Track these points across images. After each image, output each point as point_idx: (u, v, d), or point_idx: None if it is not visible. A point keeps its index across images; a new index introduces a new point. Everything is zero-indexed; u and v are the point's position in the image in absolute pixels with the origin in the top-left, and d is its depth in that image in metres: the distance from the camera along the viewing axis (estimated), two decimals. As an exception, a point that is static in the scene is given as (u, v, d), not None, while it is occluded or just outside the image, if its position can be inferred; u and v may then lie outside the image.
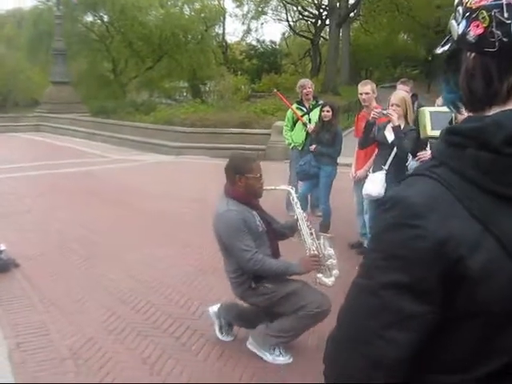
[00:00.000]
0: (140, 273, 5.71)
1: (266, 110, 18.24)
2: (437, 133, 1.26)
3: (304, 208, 7.81)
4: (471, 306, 0.96)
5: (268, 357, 3.87)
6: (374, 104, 6.44)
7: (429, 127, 1.24)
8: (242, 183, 3.80)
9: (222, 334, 4.19)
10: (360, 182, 6.35)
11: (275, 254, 3.91)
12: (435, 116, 1.22)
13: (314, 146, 7.00)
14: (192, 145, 16.01)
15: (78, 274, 5.68)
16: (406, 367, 1.02)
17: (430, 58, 40.36)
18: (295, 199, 4.01)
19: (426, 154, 4.87)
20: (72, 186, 10.66)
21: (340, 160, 7.16)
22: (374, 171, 5.62)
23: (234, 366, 3.83)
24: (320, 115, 7.09)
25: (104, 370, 3.73)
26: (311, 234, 3.90)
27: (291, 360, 3.89)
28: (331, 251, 3.89)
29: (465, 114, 1.09)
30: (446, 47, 1.10)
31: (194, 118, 17.40)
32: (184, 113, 18.62)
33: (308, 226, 3.91)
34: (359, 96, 6.50)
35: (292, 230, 4.06)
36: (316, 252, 3.84)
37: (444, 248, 0.93)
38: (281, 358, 3.87)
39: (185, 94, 39.21)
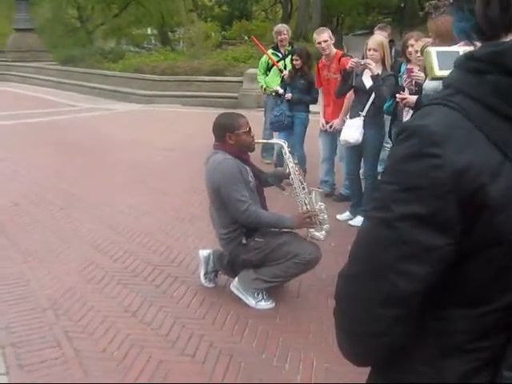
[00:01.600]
0: (117, 222, 5.66)
1: (237, 57, 17.98)
2: (445, 73, 1.20)
3: (270, 157, 7.84)
4: (490, 236, 0.93)
5: (251, 301, 3.90)
6: (334, 50, 6.35)
7: (436, 67, 1.20)
8: (233, 140, 3.77)
9: (205, 279, 4.19)
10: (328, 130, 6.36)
11: (263, 209, 3.91)
12: (442, 56, 1.18)
13: (289, 95, 6.91)
14: (163, 93, 15.80)
15: (54, 224, 5.60)
16: (418, 300, 1.00)
17: (402, 5, 40.04)
18: (287, 153, 3.97)
19: (409, 97, 4.82)
20: (42, 136, 10.45)
21: (314, 107, 7.15)
22: (351, 117, 5.57)
23: (217, 312, 3.84)
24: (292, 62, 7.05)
25: (85, 319, 3.70)
26: (303, 188, 3.90)
27: (273, 305, 3.92)
28: (322, 206, 3.91)
29: (477, 43, 1.03)
30: None
31: (164, 65, 17.13)
32: (153, 60, 18.33)
33: (300, 181, 3.90)
34: (317, 45, 6.30)
35: (278, 179, 4.06)
36: (309, 207, 3.84)
37: (463, 177, 0.91)
38: (263, 303, 3.90)
39: (153, 41, 38.33)
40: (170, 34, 34.92)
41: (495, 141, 0.91)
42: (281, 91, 7.08)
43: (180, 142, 9.67)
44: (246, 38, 29.24)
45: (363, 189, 5.79)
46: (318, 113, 6.75)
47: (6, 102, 15.58)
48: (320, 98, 6.70)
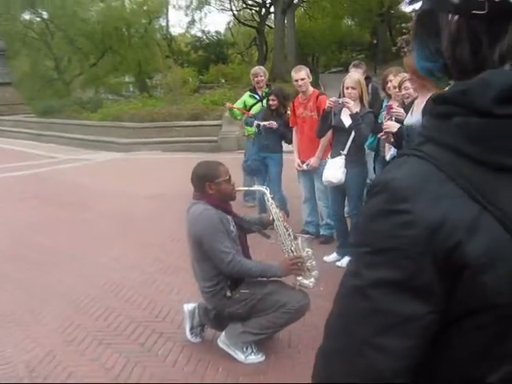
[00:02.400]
0: (97, 277, 5.46)
1: (215, 100, 18.09)
2: None
3: (252, 200, 7.74)
4: (475, 300, 0.81)
5: (240, 356, 3.72)
6: (311, 89, 6.33)
7: None
8: (213, 189, 3.66)
9: (191, 334, 4.01)
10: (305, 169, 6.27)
11: (247, 258, 3.78)
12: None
13: (274, 123, 6.77)
14: (143, 140, 15.74)
15: (30, 282, 5.38)
16: (405, 379, 0.86)
17: (374, 42, 40.82)
18: (270, 200, 3.85)
19: (389, 124, 4.75)
20: (20, 189, 10.26)
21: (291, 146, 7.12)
22: (332, 157, 5.49)
23: (205, 369, 3.65)
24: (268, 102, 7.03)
25: (66, 385, 3.51)
26: (289, 235, 3.77)
27: (263, 358, 3.74)
28: (310, 251, 3.77)
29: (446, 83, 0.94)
30: (417, 5, 0.92)
31: (143, 113, 17.16)
32: (132, 108, 18.34)
33: (285, 227, 3.77)
34: (294, 83, 6.29)
35: (262, 227, 3.94)
36: (295, 254, 3.71)
37: (437, 234, 0.79)
38: (253, 357, 3.72)
39: (131, 89, 38.57)
40: (147, 80, 35.17)
41: (470, 192, 0.80)
42: (262, 123, 6.91)
43: (162, 190, 9.54)
44: (223, 81, 29.57)
45: (349, 228, 5.68)
46: (292, 152, 6.70)
47: (-17, 157, 15.40)
48: (294, 138, 6.60)
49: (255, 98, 7.74)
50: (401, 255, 0.82)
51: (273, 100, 6.86)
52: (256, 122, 6.92)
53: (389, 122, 4.58)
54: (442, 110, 0.87)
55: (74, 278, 5.42)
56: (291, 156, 6.97)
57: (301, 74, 6.21)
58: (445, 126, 0.85)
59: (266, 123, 6.79)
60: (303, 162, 6.29)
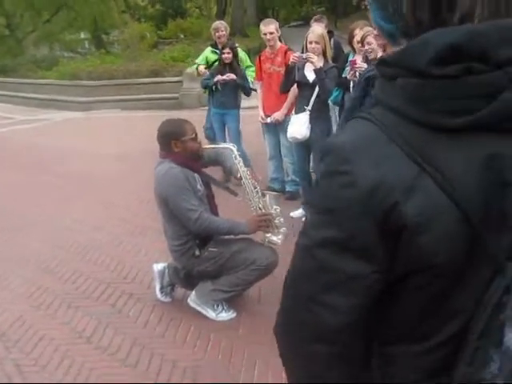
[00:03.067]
0: (62, 239, 5.39)
1: (175, 57, 17.77)
2: None
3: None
4: (414, 260, 0.84)
5: (211, 313, 3.75)
6: (279, 43, 6.25)
7: None
8: (179, 147, 3.60)
9: (162, 294, 4.02)
10: (271, 124, 6.24)
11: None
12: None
13: (232, 75, 6.62)
14: (102, 98, 15.40)
15: (-6, 247, 5.29)
16: (350, 337, 0.91)
17: (334, -6, 40.41)
18: (237, 157, 3.80)
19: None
20: (-23, 152, 9.96)
21: (244, 103, 7.08)
22: (296, 113, 5.47)
23: (176, 328, 3.68)
24: (220, 57, 6.85)
25: (37, 350, 3.48)
26: (257, 192, 3.75)
27: (234, 315, 3.79)
28: (278, 209, 3.78)
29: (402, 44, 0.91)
30: None
31: (101, 70, 16.72)
32: (90, 65, 17.85)
33: (253, 185, 3.75)
34: (263, 36, 6.22)
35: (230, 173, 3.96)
36: (264, 211, 3.71)
37: (375, 194, 0.82)
38: (224, 314, 3.77)
39: (87, 45, 37.49)
40: (103, 36, 34.19)
41: (410, 153, 0.81)
42: (220, 77, 6.69)
43: (123, 149, 9.38)
44: (182, 36, 28.96)
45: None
46: (250, 108, 6.63)
47: None
48: (259, 92, 6.54)
49: (217, 54, 7.59)
50: (342, 215, 0.85)
51: (228, 53, 6.69)
52: (215, 80, 6.77)
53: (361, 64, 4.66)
54: (385, 72, 0.87)
55: (38, 242, 5.34)
56: (250, 112, 6.95)
57: (270, 27, 6.13)
58: (389, 87, 0.86)
59: (224, 77, 6.63)
60: (267, 116, 6.26)
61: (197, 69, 7.54)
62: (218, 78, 6.68)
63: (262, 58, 6.39)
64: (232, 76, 6.63)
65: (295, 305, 0.94)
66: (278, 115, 6.09)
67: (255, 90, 6.77)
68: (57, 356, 3.40)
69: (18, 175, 7.98)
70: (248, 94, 6.93)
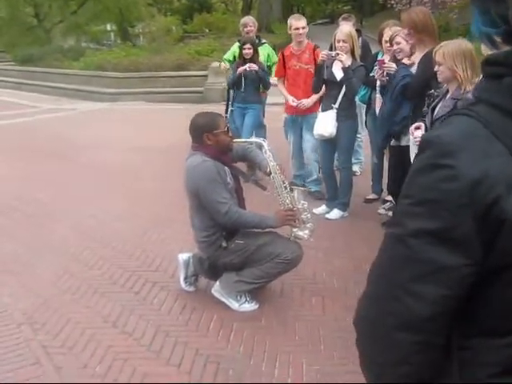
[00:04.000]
0: (89, 228, 5.50)
1: (200, 51, 17.81)
2: None
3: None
4: (511, 255, 0.85)
5: (234, 304, 3.81)
6: (306, 41, 6.21)
7: None
8: (212, 140, 3.67)
9: (186, 283, 4.09)
10: (295, 122, 6.27)
11: None
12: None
13: (254, 65, 6.51)
14: (127, 90, 15.54)
15: (23, 233, 5.39)
16: (437, 327, 0.93)
17: (361, -8, 40.14)
18: (267, 152, 3.85)
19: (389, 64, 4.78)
20: (4, 139, 10.12)
21: (277, 99, 7.06)
22: (323, 110, 5.50)
23: (200, 317, 3.74)
24: (241, 52, 6.74)
25: (63, 333, 3.57)
26: (285, 187, 3.81)
27: (257, 306, 3.84)
28: (305, 204, 3.83)
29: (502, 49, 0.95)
30: None
31: (127, 62, 16.86)
32: (115, 57, 17.99)
33: (282, 179, 3.80)
34: (293, 31, 6.07)
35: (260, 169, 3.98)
36: (291, 206, 3.76)
37: (478, 188, 0.84)
38: (247, 305, 3.82)
39: (113, 37, 37.70)
40: (129, 29, 34.36)
41: None
42: (244, 67, 6.58)
43: (148, 141, 9.47)
44: (208, 30, 29.01)
45: (338, 181, 5.75)
46: (274, 104, 6.57)
47: (-36, 106, 15.12)
48: (280, 86, 6.46)
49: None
50: (441, 207, 0.86)
51: (249, 48, 6.58)
52: (237, 72, 6.64)
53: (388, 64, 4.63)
54: (491, 71, 0.90)
55: (65, 230, 5.45)
56: (273, 108, 6.92)
57: (301, 22, 6.07)
58: (494, 86, 0.88)
59: (245, 67, 6.52)
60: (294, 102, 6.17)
61: (224, 63, 7.56)
62: (240, 69, 6.59)
63: (286, 54, 6.32)
64: (254, 66, 6.52)
65: (384, 293, 0.95)
66: (306, 102, 6.03)
67: (274, 84, 6.74)
68: (83, 339, 3.49)
69: (43, 164, 8.11)
70: (267, 87, 6.92)
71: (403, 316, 0.92)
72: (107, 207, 6.11)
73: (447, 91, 3.77)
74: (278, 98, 7.03)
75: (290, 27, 6.14)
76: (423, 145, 0.92)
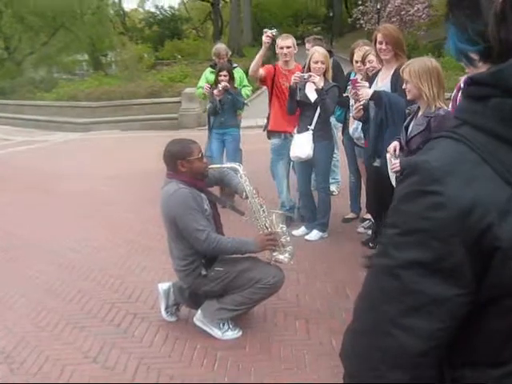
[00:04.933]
0: (66, 260, 5.39)
1: (173, 77, 17.97)
2: None
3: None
4: (506, 283, 0.82)
5: (217, 332, 3.74)
6: (294, 63, 6.06)
7: None
8: (186, 167, 3.62)
9: (167, 313, 4.01)
10: (283, 146, 6.17)
11: None
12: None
13: (225, 84, 6.48)
14: (100, 119, 15.50)
15: (-2, 268, 5.28)
16: (430, 361, 0.89)
17: (330, 15, 40.73)
18: (243, 177, 3.82)
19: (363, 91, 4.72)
20: (-23, 174, 9.96)
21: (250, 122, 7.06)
22: (299, 132, 5.50)
23: (182, 348, 3.66)
24: (216, 79, 6.70)
25: (43, 371, 3.46)
26: (263, 211, 3.77)
27: (240, 333, 3.78)
28: (284, 227, 3.81)
29: (480, 66, 0.92)
30: None
31: (100, 91, 16.90)
32: (88, 87, 18.03)
33: (259, 203, 3.78)
34: (279, 51, 5.92)
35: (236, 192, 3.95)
36: (270, 230, 3.73)
37: (469, 216, 0.80)
38: (229, 333, 3.76)
39: (85, 67, 37.69)
40: (101, 58, 34.42)
41: (503, 174, 0.80)
42: (218, 88, 6.53)
43: (124, 170, 9.42)
44: (179, 56, 29.17)
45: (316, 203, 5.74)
46: (249, 128, 6.53)
47: None
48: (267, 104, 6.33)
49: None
50: (431, 236, 0.83)
51: (224, 76, 6.57)
52: (215, 93, 6.58)
53: (363, 90, 4.57)
54: (476, 92, 0.86)
55: (42, 263, 5.33)
56: (247, 132, 6.90)
57: (288, 41, 5.88)
58: (479, 108, 0.85)
59: (220, 87, 6.45)
60: (273, 132, 6.08)
61: (200, 91, 7.46)
62: (216, 92, 6.54)
63: (276, 68, 5.99)
64: (226, 84, 6.47)
65: (373, 328, 0.91)
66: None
67: (247, 105, 6.76)
68: (64, 377, 3.38)
69: (17, 197, 7.99)
70: (241, 108, 6.95)
71: (393, 352, 0.88)
72: (83, 238, 6.01)
73: (418, 108, 3.79)
74: (249, 120, 7.02)
75: (277, 46, 5.98)
76: (410, 170, 0.88)
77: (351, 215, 6.35)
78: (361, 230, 5.92)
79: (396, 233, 0.88)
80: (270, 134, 6.20)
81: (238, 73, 7.35)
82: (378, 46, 4.65)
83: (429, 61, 3.68)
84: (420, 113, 3.72)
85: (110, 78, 21.79)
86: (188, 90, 14.65)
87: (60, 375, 3.40)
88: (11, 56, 30.60)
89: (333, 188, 6.84)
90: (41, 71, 30.99)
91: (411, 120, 3.77)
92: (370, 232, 5.72)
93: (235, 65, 7.59)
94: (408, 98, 3.76)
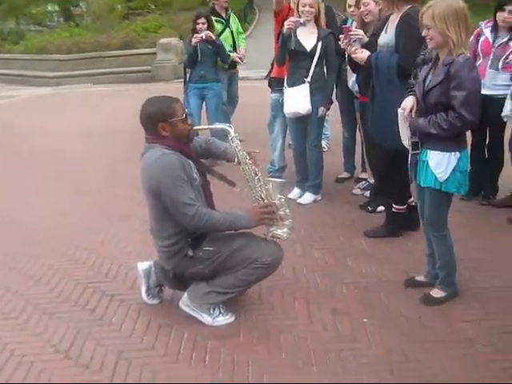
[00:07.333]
0: (32, 230, 4.86)
1: (147, 27, 17.21)
2: None
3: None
4: None
5: (207, 318, 3.26)
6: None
7: None
8: (167, 131, 3.07)
9: (148, 296, 3.52)
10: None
11: (211, 209, 3.24)
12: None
13: (205, 34, 6.10)
14: (72, 73, 14.89)
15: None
16: None
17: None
18: (235, 140, 3.27)
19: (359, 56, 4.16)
20: None
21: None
22: (291, 85, 4.92)
23: (167, 337, 3.18)
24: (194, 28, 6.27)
25: (8, 368, 2.95)
26: (258, 179, 3.23)
27: (233, 318, 3.31)
28: (282, 199, 3.26)
29: None
30: None
31: (70, 43, 16.17)
32: (58, 39, 17.24)
33: (254, 171, 3.23)
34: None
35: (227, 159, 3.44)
36: (266, 201, 3.21)
37: None
38: (221, 318, 3.28)
39: (56, 18, 36.24)
40: (72, 8, 33.04)
41: None
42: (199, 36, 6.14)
43: (97, 127, 8.81)
44: (153, 6, 28.03)
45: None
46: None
47: None
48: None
49: (222, 23, 6.94)
50: None
51: (202, 23, 6.16)
52: (193, 41, 6.15)
53: (358, 55, 4.05)
54: None
55: (5, 234, 4.80)
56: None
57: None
58: None
59: (201, 35, 6.07)
60: (276, 79, 5.46)
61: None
62: (196, 38, 6.10)
63: (290, 11, 5.29)
64: (209, 33, 6.10)
65: None
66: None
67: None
68: (31, 376, 2.89)
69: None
70: (225, 61, 6.51)
71: None
72: (53, 205, 5.47)
73: (437, 57, 3.23)
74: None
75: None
76: None
77: (345, 175, 5.92)
78: (357, 191, 5.48)
79: None
80: (273, 81, 5.60)
81: (236, 22, 7.03)
82: None
83: (455, 1, 3.09)
84: (439, 62, 3.17)
85: (81, 29, 20.81)
86: (163, 40, 14.11)
87: (26, 374, 2.90)
88: (-24, 6, 29.20)
89: (322, 144, 6.33)
90: (8, 23, 29.76)
91: (430, 70, 3.22)
92: (367, 193, 5.28)
93: (229, 11, 7.11)
94: (429, 46, 3.18)
